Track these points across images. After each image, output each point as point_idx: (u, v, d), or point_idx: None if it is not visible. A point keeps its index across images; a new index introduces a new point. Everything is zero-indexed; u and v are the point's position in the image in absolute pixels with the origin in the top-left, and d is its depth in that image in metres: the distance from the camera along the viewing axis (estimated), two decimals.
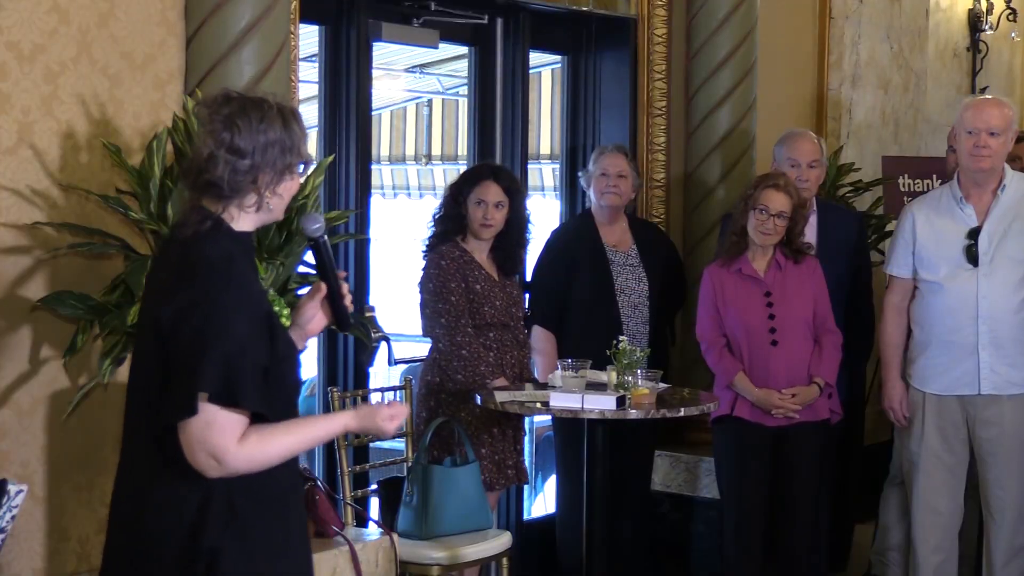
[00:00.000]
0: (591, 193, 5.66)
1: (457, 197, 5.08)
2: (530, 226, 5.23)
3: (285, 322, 2.94)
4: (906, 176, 6.82)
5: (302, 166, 2.88)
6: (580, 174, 5.77)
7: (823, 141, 5.78)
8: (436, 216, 5.14)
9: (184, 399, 2.64)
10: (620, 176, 5.58)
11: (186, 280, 2.71)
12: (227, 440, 2.65)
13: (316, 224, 2.99)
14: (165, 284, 2.76)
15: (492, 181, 5.05)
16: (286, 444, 2.76)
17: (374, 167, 5.79)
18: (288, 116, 2.82)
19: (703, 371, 5.91)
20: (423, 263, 5.08)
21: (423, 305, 5.03)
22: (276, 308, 2.93)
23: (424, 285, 5.02)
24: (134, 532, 2.77)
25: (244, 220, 2.84)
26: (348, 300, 3.03)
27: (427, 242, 5.12)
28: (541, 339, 5.49)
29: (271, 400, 2.72)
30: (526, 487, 6.02)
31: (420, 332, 5.14)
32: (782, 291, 5.05)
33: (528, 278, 5.82)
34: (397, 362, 5.67)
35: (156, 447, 2.72)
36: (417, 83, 8.95)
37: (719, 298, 5.09)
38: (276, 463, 2.74)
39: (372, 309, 5.47)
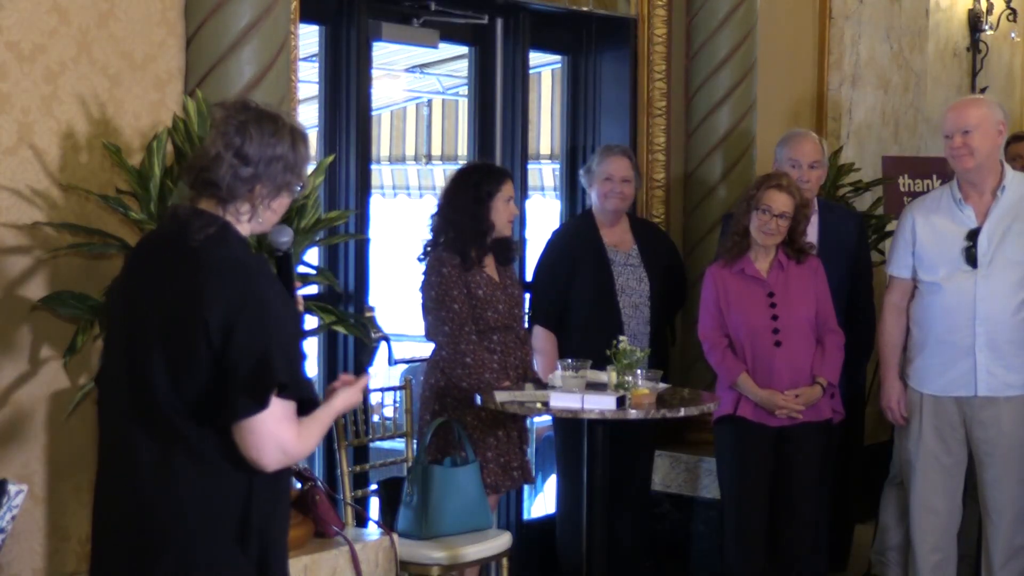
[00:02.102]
0: (593, 193, 5.64)
1: (485, 200, 5.00)
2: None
3: None
4: (906, 176, 6.83)
5: (299, 188, 2.96)
6: (581, 173, 5.74)
7: (824, 141, 5.77)
8: (451, 225, 5.01)
9: (256, 394, 2.74)
10: (625, 181, 5.57)
11: (224, 282, 2.78)
12: (293, 432, 2.81)
13: (285, 237, 3.06)
14: (202, 285, 2.78)
15: (510, 179, 5.11)
16: (318, 434, 2.92)
17: (374, 167, 5.80)
18: (298, 137, 2.92)
19: (703, 371, 5.91)
20: (424, 267, 5.04)
21: (425, 310, 5.01)
22: None
23: (426, 291, 4.98)
24: (165, 524, 2.81)
25: (240, 227, 2.91)
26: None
27: (438, 248, 5.04)
28: (542, 339, 5.48)
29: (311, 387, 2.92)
30: (526, 487, 6.02)
31: (420, 333, 5.13)
32: (785, 291, 5.04)
33: (529, 278, 5.82)
34: (397, 362, 5.68)
35: (187, 442, 2.79)
36: (417, 83, 8.96)
37: (722, 299, 5.07)
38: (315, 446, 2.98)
39: (372, 309, 5.49)
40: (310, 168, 4.63)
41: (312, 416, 2.89)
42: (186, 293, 2.79)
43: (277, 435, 2.78)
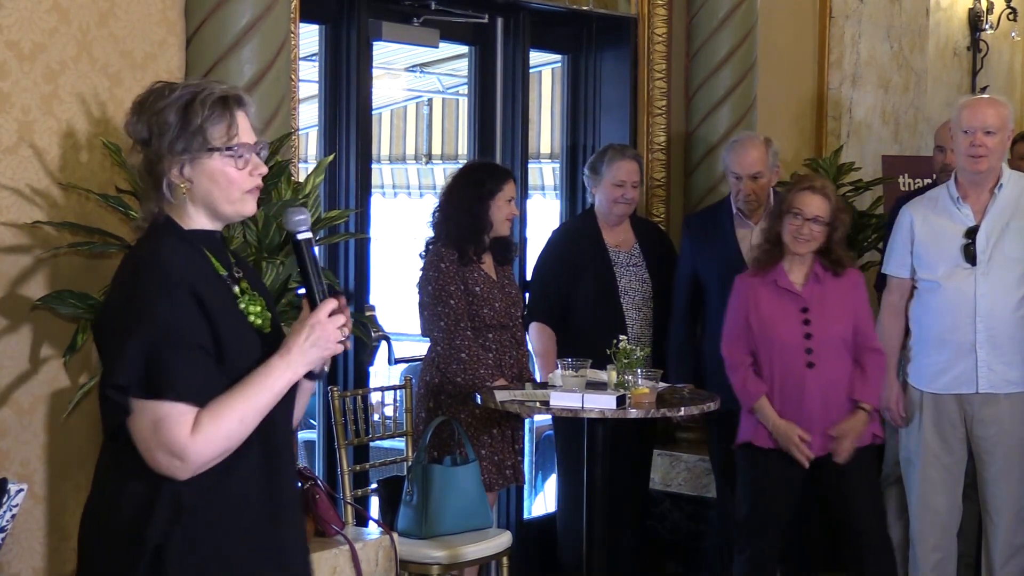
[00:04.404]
0: (598, 194, 5.60)
1: (486, 200, 5.03)
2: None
3: (254, 320, 2.73)
4: (906, 175, 6.83)
5: (237, 153, 2.64)
6: (585, 173, 5.69)
7: (774, 145, 5.48)
8: (454, 223, 5.04)
9: (114, 399, 2.50)
10: (635, 186, 5.56)
11: (114, 281, 2.66)
12: (180, 433, 2.48)
13: (297, 217, 2.72)
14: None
15: (511, 179, 5.12)
16: (237, 411, 2.54)
17: (374, 166, 5.79)
18: (196, 100, 2.63)
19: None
20: (422, 263, 5.07)
21: (422, 306, 5.03)
22: (248, 307, 2.73)
23: (423, 287, 5.02)
24: (82, 530, 2.74)
25: (189, 217, 2.68)
26: (344, 323, 2.68)
27: (436, 244, 5.07)
28: (540, 337, 5.45)
29: (214, 383, 2.54)
30: (526, 486, 6.02)
31: (420, 332, 5.14)
32: (820, 307, 4.71)
33: (528, 277, 5.81)
34: (397, 361, 5.68)
35: (108, 445, 2.65)
36: (417, 82, 8.95)
37: (752, 311, 4.73)
38: (241, 434, 2.55)
39: (372, 308, 5.49)
40: (313, 164, 4.64)
41: (236, 387, 2.56)
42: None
43: (160, 441, 2.49)
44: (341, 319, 2.67)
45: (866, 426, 4.75)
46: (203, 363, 2.54)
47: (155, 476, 2.53)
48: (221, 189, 2.67)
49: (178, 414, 2.49)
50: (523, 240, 6.00)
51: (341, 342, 2.69)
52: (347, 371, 5.42)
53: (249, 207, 2.72)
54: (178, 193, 2.65)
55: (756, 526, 4.83)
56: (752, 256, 4.89)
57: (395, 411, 5.24)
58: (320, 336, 2.65)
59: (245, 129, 2.69)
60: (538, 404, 4.63)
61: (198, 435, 2.49)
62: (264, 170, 2.73)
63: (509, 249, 5.18)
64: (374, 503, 5.18)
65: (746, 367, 4.76)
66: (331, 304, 2.67)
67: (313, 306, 2.69)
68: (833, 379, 4.70)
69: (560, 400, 4.52)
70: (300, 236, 2.71)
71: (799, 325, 4.70)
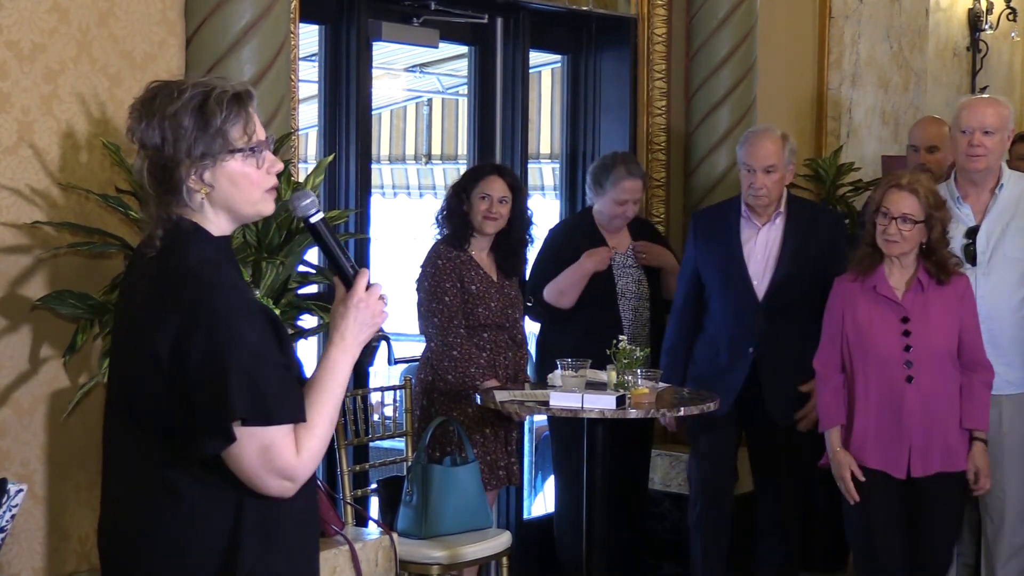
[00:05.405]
0: (598, 204, 5.56)
1: (460, 195, 5.08)
2: (532, 227, 5.25)
3: None
4: None
5: (258, 152, 2.56)
6: (588, 182, 5.63)
7: (791, 142, 5.30)
8: (440, 216, 5.14)
9: (218, 428, 2.41)
10: (636, 202, 5.55)
11: (173, 298, 2.45)
12: (290, 455, 2.46)
13: (304, 201, 2.62)
14: (150, 305, 2.49)
15: (497, 176, 5.08)
16: (327, 416, 2.53)
17: (374, 166, 5.80)
18: (210, 100, 2.51)
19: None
20: (422, 262, 5.10)
21: (419, 304, 5.06)
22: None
23: (420, 283, 5.05)
24: (145, 553, 2.53)
25: (211, 222, 2.57)
26: (382, 292, 2.63)
27: (437, 241, 5.12)
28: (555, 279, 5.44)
29: (299, 398, 2.51)
30: (526, 487, 6.03)
31: (418, 331, 5.15)
32: (922, 317, 4.38)
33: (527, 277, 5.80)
34: (397, 361, 5.68)
35: (169, 464, 2.49)
36: (417, 82, 8.95)
37: (848, 319, 4.44)
38: (330, 437, 2.55)
39: None
40: (313, 164, 4.64)
41: (311, 398, 2.51)
42: (137, 317, 2.52)
43: (273, 467, 2.45)
44: (378, 289, 2.62)
45: (960, 446, 4.48)
46: (290, 380, 2.51)
47: (229, 502, 2.48)
48: (242, 191, 2.57)
49: (283, 436, 2.45)
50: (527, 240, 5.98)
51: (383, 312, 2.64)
52: None
53: (269, 207, 2.63)
54: (196, 199, 2.53)
55: (875, 552, 4.49)
56: (853, 260, 4.54)
57: (395, 411, 5.24)
58: (366, 314, 2.62)
59: (259, 125, 2.60)
60: (537, 404, 4.63)
61: (303, 452, 2.48)
62: (280, 167, 2.63)
63: (513, 260, 5.16)
64: (374, 503, 5.18)
65: (834, 387, 4.50)
66: (366, 277, 2.62)
67: (347, 284, 2.63)
68: (935, 395, 4.39)
69: (560, 400, 4.52)
70: (313, 219, 2.63)
71: (898, 336, 4.39)
